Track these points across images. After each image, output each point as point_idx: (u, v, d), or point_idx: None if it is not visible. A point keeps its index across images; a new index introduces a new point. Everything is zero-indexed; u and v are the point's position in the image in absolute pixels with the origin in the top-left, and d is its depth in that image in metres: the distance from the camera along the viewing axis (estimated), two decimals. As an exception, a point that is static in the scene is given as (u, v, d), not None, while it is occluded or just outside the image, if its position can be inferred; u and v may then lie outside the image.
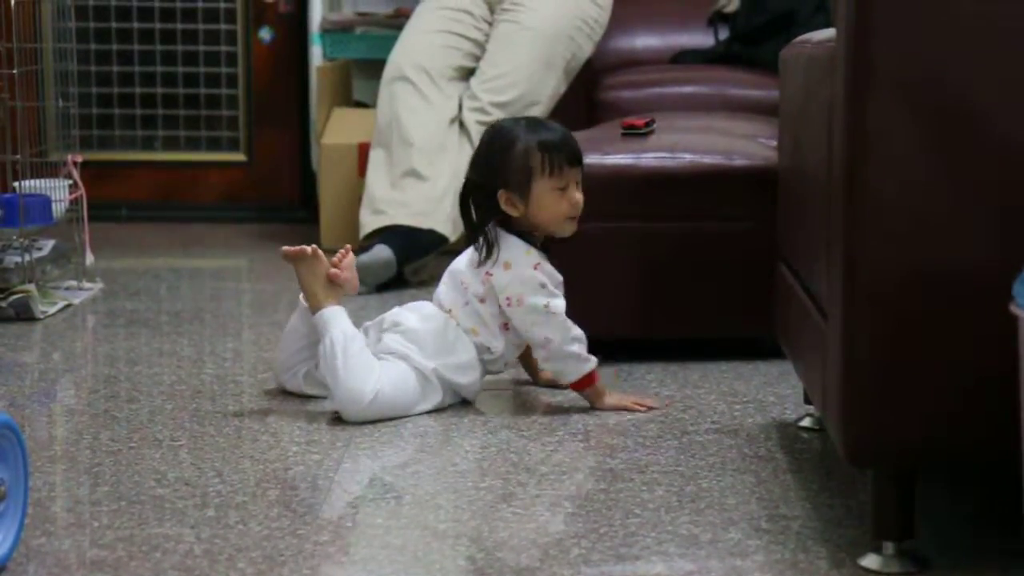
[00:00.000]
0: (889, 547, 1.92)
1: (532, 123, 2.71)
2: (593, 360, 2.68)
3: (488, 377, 2.75)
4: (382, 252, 3.81)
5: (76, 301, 3.68)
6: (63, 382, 2.99)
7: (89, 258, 3.88)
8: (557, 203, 2.66)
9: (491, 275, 2.66)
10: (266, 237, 4.81)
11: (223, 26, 5.23)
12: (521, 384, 2.87)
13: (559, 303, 2.65)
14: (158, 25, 5.21)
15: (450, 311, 2.69)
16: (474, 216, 2.68)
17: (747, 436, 2.54)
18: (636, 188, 3.07)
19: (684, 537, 2.05)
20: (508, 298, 2.64)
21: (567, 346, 2.65)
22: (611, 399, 2.70)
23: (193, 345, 3.24)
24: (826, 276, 1.96)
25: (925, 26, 1.80)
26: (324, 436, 2.52)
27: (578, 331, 2.67)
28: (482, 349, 2.69)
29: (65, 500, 2.22)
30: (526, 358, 2.83)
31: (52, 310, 3.54)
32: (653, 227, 3.08)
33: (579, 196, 2.68)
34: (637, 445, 2.49)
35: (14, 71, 3.57)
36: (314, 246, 2.68)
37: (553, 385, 2.84)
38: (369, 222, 3.99)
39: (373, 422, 2.58)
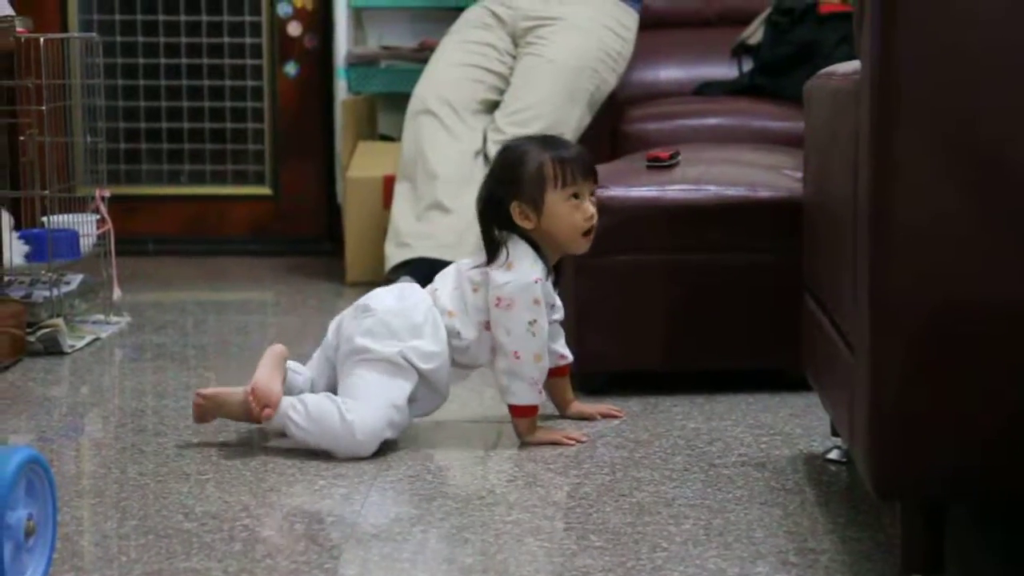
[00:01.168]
0: (918, 581, 1.91)
1: (545, 139, 2.75)
2: (541, 395, 2.69)
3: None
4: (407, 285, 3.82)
5: (104, 335, 3.69)
6: (91, 416, 3.00)
7: (116, 292, 3.90)
8: (571, 214, 2.66)
9: (491, 271, 2.66)
10: (292, 270, 4.82)
11: (249, 61, 5.25)
12: (546, 419, 2.86)
13: (544, 325, 2.65)
14: (184, 60, 5.24)
15: (436, 290, 2.69)
16: (492, 234, 2.68)
17: (774, 469, 2.53)
18: (661, 220, 3.07)
19: (712, 571, 2.04)
20: (499, 298, 2.63)
21: (530, 370, 2.64)
22: (539, 433, 2.70)
23: (220, 379, 3.25)
24: (853, 308, 1.96)
25: (950, 58, 1.80)
26: (351, 470, 2.52)
27: (546, 363, 2.67)
28: (452, 333, 2.66)
29: (93, 534, 2.23)
30: (554, 390, 2.83)
31: (80, 344, 3.56)
32: (678, 259, 3.08)
33: (592, 209, 2.69)
34: (664, 478, 2.48)
35: (43, 107, 3.59)
36: (198, 395, 2.68)
37: (581, 417, 2.85)
38: (394, 255, 4.00)
39: (400, 457, 2.59)
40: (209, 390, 2.69)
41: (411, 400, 2.65)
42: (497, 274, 2.64)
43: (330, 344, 2.72)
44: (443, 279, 2.72)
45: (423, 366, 2.63)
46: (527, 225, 2.66)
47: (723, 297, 3.08)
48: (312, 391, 2.71)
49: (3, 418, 2.92)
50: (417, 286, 2.75)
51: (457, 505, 2.34)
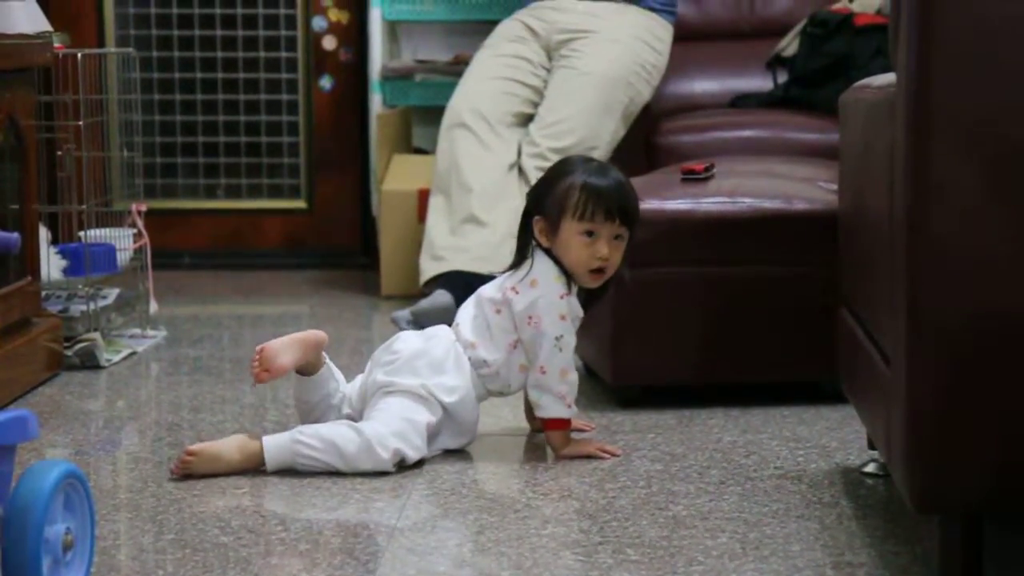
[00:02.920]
0: (956, 595, 1.90)
1: (596, 166, 2.69)
2: (573, 412, 2.68)
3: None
4: (442, 298, 3.82)
5: (140, 349, 3.71)
6: (127, 430, 3.01)
7: (153, 306, 3.92)
8: (580, 249, 2.64)
9: (516, 291, 2.65)
10: (327, 284, 4.83)
11: (284, 75, 5.27)
12: (577, 431, 2.86)
13: (571, 340, 2.65)
14: (220, 75, 5.26)
15: (458, 324, 2.69)
16: (526, 243, 2.69)
17: (810, 482, 2.53)
18: (696, 233, 3.06)
19: (748, 585, 2.04)
20: (530, 316, 2.63)
21: (557, 385, 2.65)
22: (573, 446, 2.69)
23: (255, 392, 3.26)
24: (889, 322, 1.95)
25: (985, 71, 1.80)
26: (386, 484, 2.52)
27: (574, 376, 2.67)
28: (478, 363, 2.66)
29: (130, 548, 2.24)
30: (529, 408, 2.81)
31: (116, 358, 3.58)
32: (713, 272, 3.08)
33: (606, 251, 2.63)
34: (700, 491, 2.48)
35: (80, 122, 3.61)
36: (185, 453, 2.57)
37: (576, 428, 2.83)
38: (429, 268, 4.00)
39: (435, 471, 2.59)
40: (198, 446, 2.58)
41: (435, 435, 2.64)
42: (523, 294, 2.64)
43: (365, 379, 2.72)
44: (464, 311, 2.73)
45: (446, 399, 2.63)
46: (544, 242, 2.66)
47: (758, 309, 3.08)
48: (339, 409, 2.71)
49: (41, 432, 2.93)
50: (444, 326, 2.74)
51: (493, 519, 2.34)
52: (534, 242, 2.68)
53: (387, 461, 2.55)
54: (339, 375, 2.74)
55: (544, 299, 2.63)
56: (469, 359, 2.67)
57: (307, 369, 2.68)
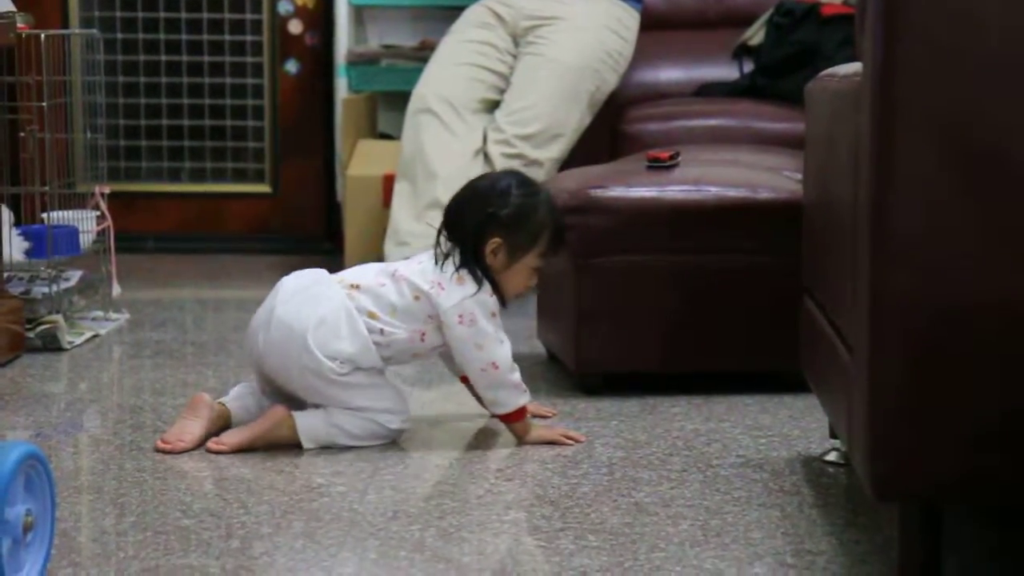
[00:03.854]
0: (915, 583, 1.91)
1: (555, 203, 2.72)
2: (527, 393, 2.68)
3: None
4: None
5: (103, 332, 3.69)
6: (89, 412, 3.00)
7: (116, 289, 3.90)
8: (526, 279, 2.69)
9: (442, 287, 2.61)
10: (291, 268, 4.77)
11: (249, 59, 5.25)
12: (540, 418, 2.86)
13: (503, 334, 2.66)
14: (185, 58, 5.24)
15: (356, 286, 2.64)
16: (450, 246, 2.64)
17: (772, 470, 2.54)
18: (661, 221, 3.07)
19: (709, 572, 2.05)
20: (461, 315, 2.61)
21: (510, 374, 2.65)
22: (537, 432, 2.70)
23: (218, 376, 3.25)
24: (852, 310, 1.96)
25: (951, 62, 1.80)
26: (349, 468, 2.52)
27: (515, 365, 2.67)
28: (373, 330, 2.62)
29: (91, 530, 2.23)
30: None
31: (79, 340, 3.56)
32: (677, 260, 3.08)
33: (535, 276, 2.72)
34: (662, 479, 2.48)
35: (44, 103, 3.59)
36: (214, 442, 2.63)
37: (537, 415, 2.84)
38: (393, 253, 4.00)
39: (399, 455, 2.59)
40: (229, 441, 2.61)
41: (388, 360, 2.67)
42: (450, 291, 2.61)
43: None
44: (367, 275, 2.67)
45: (364, 366, 2.63)
46: (492, 261, 2.64)
47: (722, 298, 3.08)
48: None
49: (2, 414, 2.92)
50: (324, 274, 2.71)
51: (455, 504, 2.34)
52: (457, 247, 2.63)
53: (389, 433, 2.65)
54: (238, 393, 2.74)
55: (473, 298, 2.62)
56: (366, 325, 2.62)
57: (221, 423, 2.67)
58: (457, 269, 2.62)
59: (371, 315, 2.62)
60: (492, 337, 2.62)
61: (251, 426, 2.62)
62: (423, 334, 2.64)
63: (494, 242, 2.64)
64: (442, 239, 2.65)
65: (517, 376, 2.66)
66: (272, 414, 2.62)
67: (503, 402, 2.66)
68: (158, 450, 2.61)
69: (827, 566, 2.07)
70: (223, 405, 2.68)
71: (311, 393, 2.62)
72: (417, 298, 2.63)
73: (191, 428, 2.62)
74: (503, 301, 2.66)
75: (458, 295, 2.61)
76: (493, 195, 2.66)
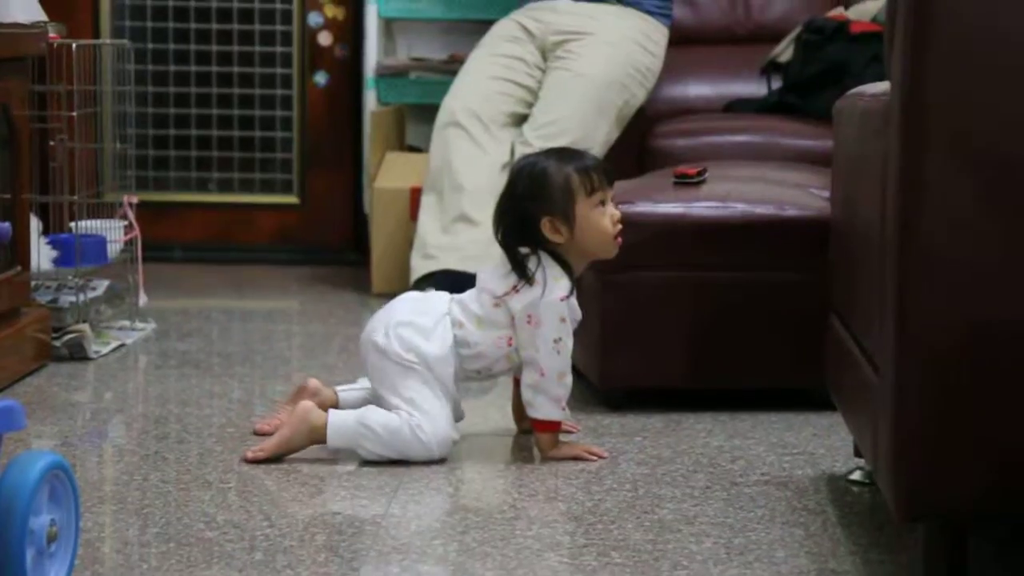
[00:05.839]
0: (940, 604, 1.90)
1: (559, 151, 2.76)
2: (565, 411, 2.69)
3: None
4: (432, 297, 3.82)
5: (129, 341, 3.70)
6: (114, 422, 3.01)
7: (142, 298, 3.91)
8: (600, 220, 2.67)
9: (517, 290, 2.65)
10: (318, 280, 4.83)
11: (279, 70, 5.27)
12: (568, 433, 2.86)
13: (569, 343, 2.66)
14: (215, 69, 5.26)
15: (460, 301, 2.70)
16: (519, 254, 2.66)
17: (796, 488, 2.53)
18: (687, 237, 3.06)
19: (732, 590, 2.04)
20: (529, 316, 2.63)
21: (554, 387, 2.65)
22: (561, 448, 2.70)
23: (243, 387, 3.25)
24: (879, 330, 1.95)
25: (979, 80, 1.80)
26: (372, 482, 2.52)
27: (570, 380, 2.68)
28: (461, 343, 2.66)
29: (115, 541, 2.23)
30: (517, 401, 2.81)
31: (105, 350, 3.57)
32: (704, 276, 3.08)
33: (616, 211, 2.70)
34: (685, 496, 2.48)
35: (73, 113, 3.61)
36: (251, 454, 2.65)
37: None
38: (420, 266, 4.00)
39: (422, 470, 2.59)
40: (267, 448, 2.63)
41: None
42: (524, 292, 2.64)
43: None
44: (469, 292, 2.73)
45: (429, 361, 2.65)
46: (558, 239, 2.66)
47: (748, 315, 3.08)
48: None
49: (28, 423, 2.92)
50: (444, 293, 2.76)
51: (478, 519, 2.34)
52: (528, 249, 2.65)
53: (443, 455, 2.63)
54: (353, 387, 2.81)
55: (544, 300, 2.63)
56: (455, 336, 2.66)
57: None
58: (526, 273, 2.64)
59: (459, 325, 2.67)
60: (549, 343, 2.63)
61: (282, 429, 2.64)
62: (509, 339, 2.67)
63: (545, 222, 2.65)
64: (499, 241, 2.69)
65: (561, 391, 2.66)
66: (299, 410, 2.63)
67: (537, 407, 2.67)
68: (256, 433, 2.74)
69: (851, 586, 2.06)
70: (332, 391, 2.77)
71: (374, 372, 2.67)
72: (496, 305, 2.66)
73: (286, 412, 2.72)
74: (601, 257, 2.71)
75: (529, 297, 2.64)
76: (515, 191, 2.69)
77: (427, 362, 2.63)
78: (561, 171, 2.67)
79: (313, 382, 2.78)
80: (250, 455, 2.62)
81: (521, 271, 2.65)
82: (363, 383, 2.80)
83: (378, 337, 2.65)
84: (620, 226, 2.70)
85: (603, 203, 2.68)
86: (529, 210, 2.66)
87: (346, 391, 2.80)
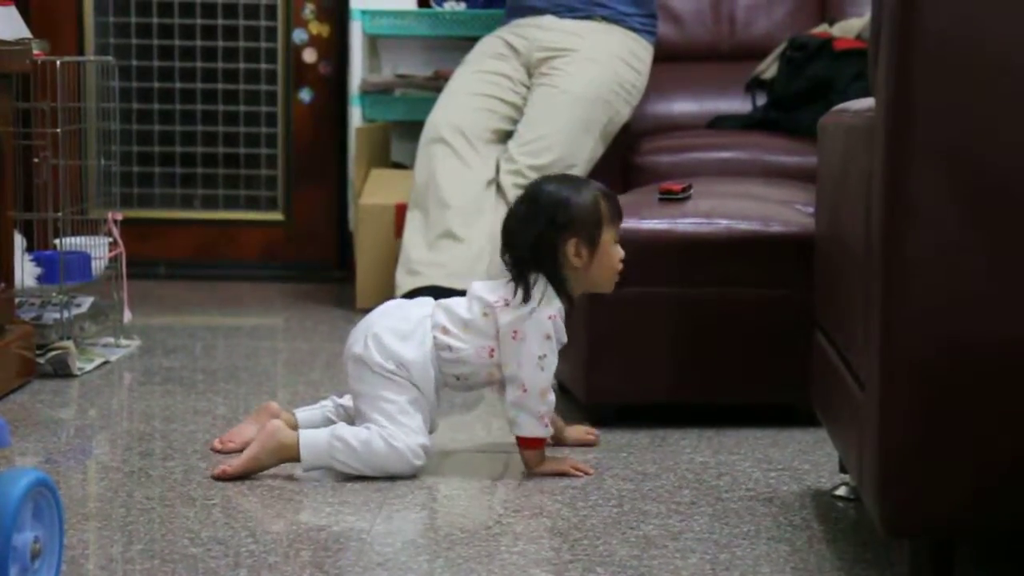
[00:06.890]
0: (925, 620, 1.91)
1: (574, 178, 2.77)
2: (548, 428, 2.69)
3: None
4: (417, 313, 3.82)
5: (113, 358, 3.69)
6: (99, 439, 3.00)
7: (127, 315, 3.90)
8: (614, 255, 2.69)
9: (507, 303, 2.65)
10: (302, 296, 4.82)
11: (264, 87, 5.27)
12: (551, 446, 2.86)
13: (553, 361, 2.65)
14: (200, 85, 5.26)
15: (445, 306, 2.70)
16: (525, 275, 2.65)
17: (782, 504, 2.53)
18: (672, 253, 3.07)
19: (718, 606, 2.04)
20: (515, 331, 2.63)
21: (536, 404, 2.65)
22: (547, 463, 2.70)
23: (228, 404, 3.25)
24: (863, 346, 1.96)
25: (965, 98, 1.80)
26: (357, 497, 2.52)
27: (552, 397, 2.67)
28: (442, 346, 2.66)
29: (99, 558, 2.23)
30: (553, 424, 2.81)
31: (89, 367, 3.56)
32: (689, 292, 3.08)
33: (622, 251, 2.72)
34: (671, 511, 2.48)
35: (57, 130, 3.60)
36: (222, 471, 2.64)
37: (582, 443, 2.85)
38: (405, 283, 4.00)
39: (407, 485, 2.58)
40: (234, 466, 2.62)
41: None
42: (513, 306, 2.64)
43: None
44: (457, 299, 2.73)
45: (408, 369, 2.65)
46: (577, 263, 2.66)
47: (733, 331, 3.08)
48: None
49: (12, 440, 2.92)
50: (428, 299, 2.76)
51: (463, 535, 2.34)
52: (534, 271, 2.65)
53: (418, 469, 2.63)
54: (312, 408, 2.82)
55: (533, 316, 2.63)
56: (435, 339, 2.66)
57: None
58: (522, 287, 2.64)
59: (444, 330, 2.66)
60: (533, 359, 2.62)
61: (250, 446, 2.63)
62: (491, 350, 2.66)
63: (572, 242, 2.65)
64: (507, 262, 2.68)
65: (543, 408, 2.65)
66: (268, 427, 2.63)
67: (521, 425, 2.66)
68: (213, 449, 2.76)
69: (836, 602, 2.06)
70: (291, 414, 2.78)
71: (354, 381, 2.67)
72: (486, 314, 2.66)
73: (245, 431, 2.77)
74: (600, 291, 2.74)
75: (517, 312, 2.64)
76: (547, 205, 2.65)
77: (406, 367, 2.63)
78: (589, 193, 2.67)
79: (273, 405, 2.80)
80: (217, 471, 2.61)
81: (524, 290, 2.64)
82: (322, 403, 2.82)
83: (358, 348, 2.66)
84: (622, 265, 2.72)
85: (617, 241, 2.70)
86: (554, 232, 2.65)
87: (305, 411, 2.81)
